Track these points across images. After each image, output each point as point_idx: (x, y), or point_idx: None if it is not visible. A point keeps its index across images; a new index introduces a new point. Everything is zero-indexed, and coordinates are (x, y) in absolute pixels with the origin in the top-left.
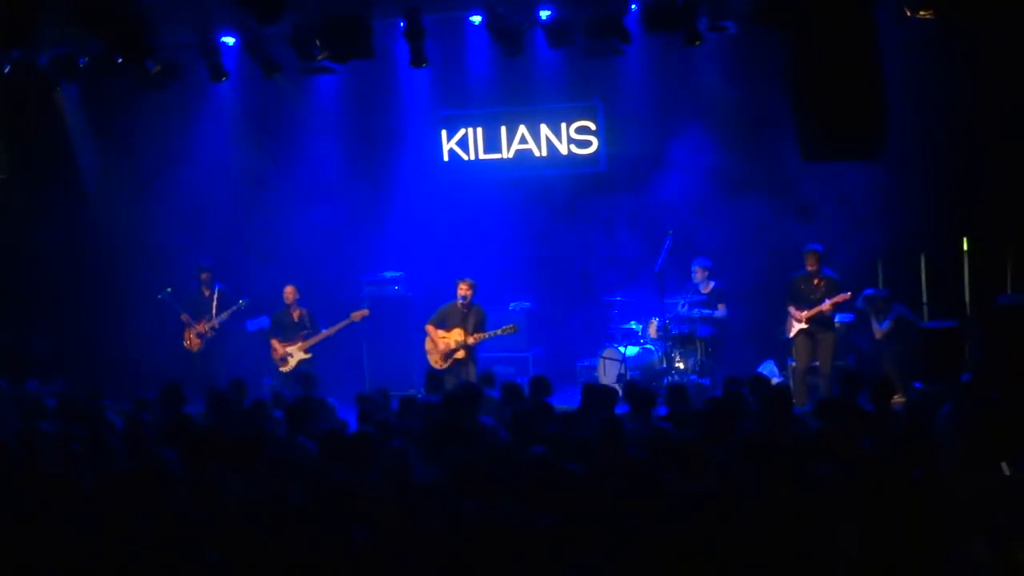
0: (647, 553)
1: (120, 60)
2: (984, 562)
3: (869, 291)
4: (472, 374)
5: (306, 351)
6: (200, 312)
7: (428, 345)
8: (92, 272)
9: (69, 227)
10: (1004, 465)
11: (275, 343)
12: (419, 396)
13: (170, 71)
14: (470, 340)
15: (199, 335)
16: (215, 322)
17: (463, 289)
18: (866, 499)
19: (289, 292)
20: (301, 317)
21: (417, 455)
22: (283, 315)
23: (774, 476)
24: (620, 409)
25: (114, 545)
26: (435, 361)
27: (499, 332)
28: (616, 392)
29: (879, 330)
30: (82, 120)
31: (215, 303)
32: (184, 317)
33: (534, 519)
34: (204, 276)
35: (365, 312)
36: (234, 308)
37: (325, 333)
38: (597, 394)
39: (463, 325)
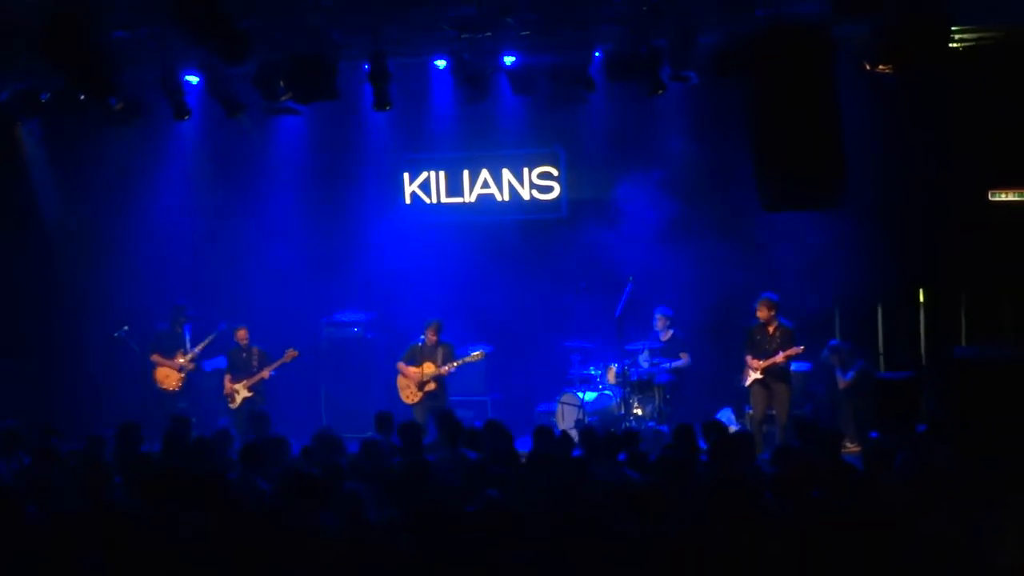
0: None
1: (82, 97)
2: None
3: (834, 342)
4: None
5: (249, 390)
6: (173, 349)
7: (401, 381)
8: (49, 309)
9: (27, 263)
10: None
11: (226, 380)
12: (379, 439)
13: (133, 108)
14: (443, 370)
15: (180, 370)
16: (194, 353)
17: (430, 334)
18: (821, 547)
19: (242, 334)
20: (250, 356)
21: (373, 497)
22: (236, 353)
23: (729, 522)
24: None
25: None
26: (408, 396)
27: (468, 359)
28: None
29: (843, 380)
30: (43, 156)
31: (188, 339)
32: (155, 357)
33: (490, 562)
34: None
35: (294, 353)
36: (210, 339)
37: (261, 374)
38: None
39: (432, 359)
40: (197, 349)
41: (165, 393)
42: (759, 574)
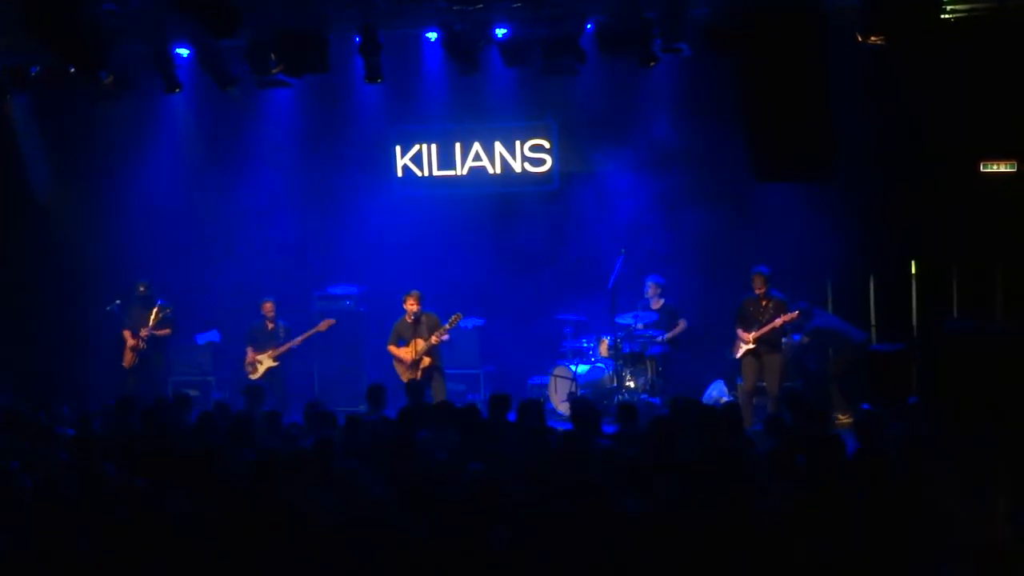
0: (592, 571)
1: (73, 70)
2: None
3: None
4: (442, 388)
5: (275, 359)
6: (136, 327)
7: (397, 366)
8: (42, 283)
9: (17, 237)
10: None
11: (249, 351)
12: (363, 413)
13: (123, 82)
14: (433, 339)
15: (132, 349)
16: (145, 332)
17: (410, 304)
18: (813, 519)
19: (268, 307)
20: (275, 329)
21: (364, 472)
22: (259, 325)
23: (719, 495)
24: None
25: (54, 561)
26: (405, 375)
27: (450, 325)
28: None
29: (795, 343)
30: (33, 130)
31: (152, 316)
32: (126, 333)
33: (478, 536)
34: (142, 289)
35: (331, 321)
36: (160, 315)
37: (293, 343)
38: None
39: (418, 335)
40: (148, 327)
41: (124, 370)
42: (748, 547)
